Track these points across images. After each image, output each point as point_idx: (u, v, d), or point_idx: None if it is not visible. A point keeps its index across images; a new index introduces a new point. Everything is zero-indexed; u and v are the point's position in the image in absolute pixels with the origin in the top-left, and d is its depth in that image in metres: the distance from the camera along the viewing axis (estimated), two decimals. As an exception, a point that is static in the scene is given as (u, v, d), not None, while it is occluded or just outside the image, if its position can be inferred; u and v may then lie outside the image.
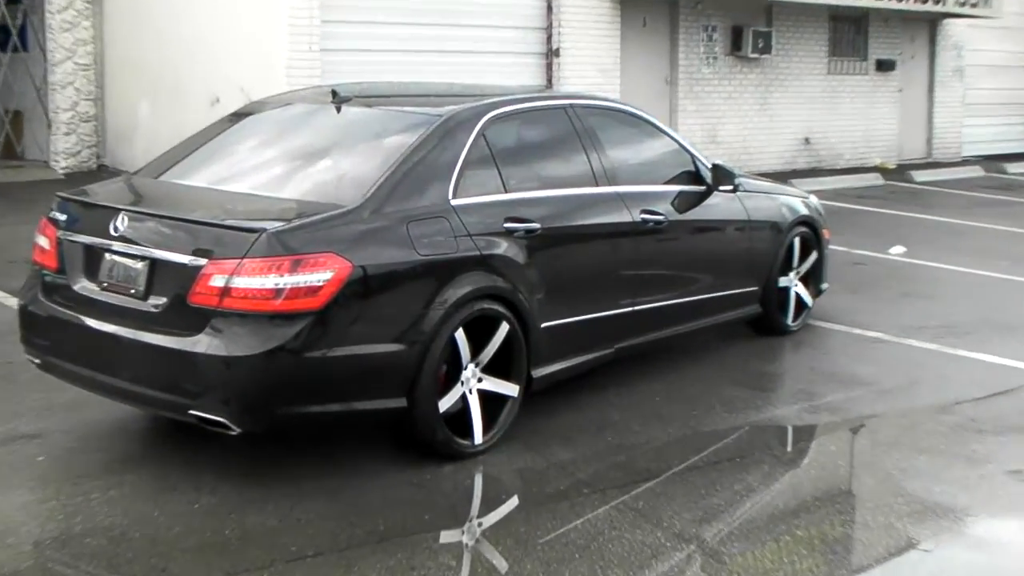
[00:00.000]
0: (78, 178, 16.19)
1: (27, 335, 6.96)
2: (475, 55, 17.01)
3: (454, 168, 6.91)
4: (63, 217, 6.83)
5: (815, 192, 18.42)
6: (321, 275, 6.01)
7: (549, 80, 18.04)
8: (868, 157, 23.28)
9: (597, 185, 7.82)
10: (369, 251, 6.28)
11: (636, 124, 8.62)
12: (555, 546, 5.64)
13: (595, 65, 18.56)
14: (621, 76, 19.01)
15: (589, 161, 7.83)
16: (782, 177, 19.48)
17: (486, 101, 7.49)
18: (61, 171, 17.33)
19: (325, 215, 6.31)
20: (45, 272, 6.84)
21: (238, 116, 7.95)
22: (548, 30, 18.11)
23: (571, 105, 8.06)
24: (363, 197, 6.45)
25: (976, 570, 5.60)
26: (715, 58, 20.58)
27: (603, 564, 5.43)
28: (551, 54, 18.13)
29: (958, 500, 6.32)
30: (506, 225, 6.99)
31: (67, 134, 17.60)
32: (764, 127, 21.50)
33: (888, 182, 21.56)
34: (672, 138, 8.80)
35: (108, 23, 17.65)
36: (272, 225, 6.09)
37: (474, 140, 7.10)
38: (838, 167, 22.38)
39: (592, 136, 7.94)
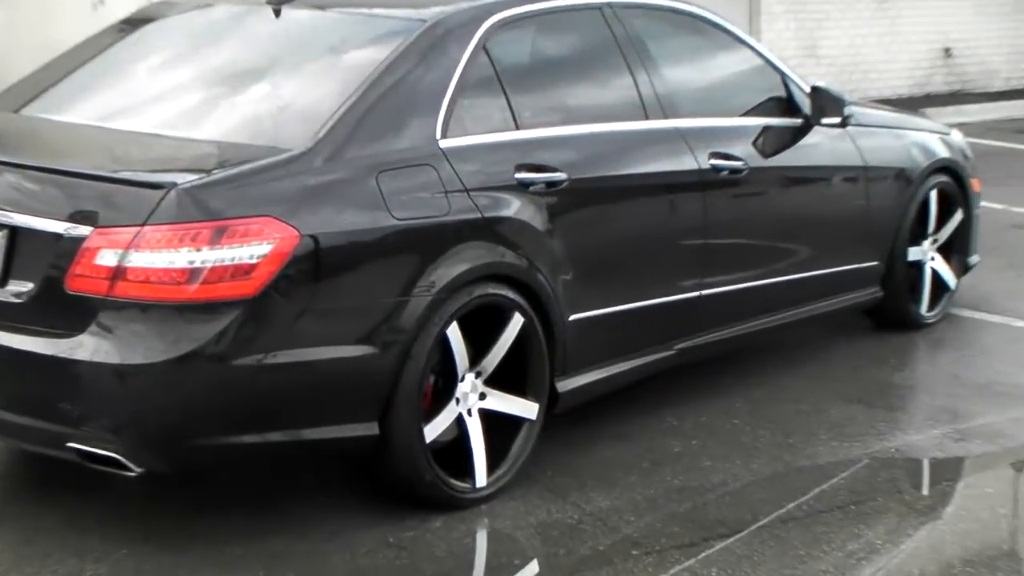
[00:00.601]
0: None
1: None
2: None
3: (444, 95, 6.83)
4: None
5: (959, 125, 18.52)
6: (256, 248, 5.91)
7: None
8: (1035, 75, 23.24)
9: (647, 118, 7.78)
10: (323, 214, 6.19)
11: (702, 31, 8.58)
12: (596, 635, 5.63)
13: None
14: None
15: (636, 84, 7.77)
16: (911, 104, 19.52)
17: (485, 1, 7.42)
18: None
19: (261, 163, 6.22)
20: None
21: (134, 24, 7.89)
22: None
23: (609, 4, 7.97)
24: (314, 138, 6.36)
25: None
26: (815, -62, 20.56)
27: (667, 663, 5.44)
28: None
29: None
30: (519, 175, 6.93)
31: None
32: (885, 34, 21.45)
33: (1065, 111, 21.49)
34: (755, 51, 8.77)
35: None
36: (185, 178, 6.00)
37: (471, 55, 7.02)
38: (991, 90, 22.28)
39: (640, 49, 7.89)
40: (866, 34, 21.20)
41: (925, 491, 7.42)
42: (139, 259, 5.82)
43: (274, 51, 7.34)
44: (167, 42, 7.69)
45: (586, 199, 7.28)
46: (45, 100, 7.34)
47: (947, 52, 22.18)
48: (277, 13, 7.35)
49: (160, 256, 5.82)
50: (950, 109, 19.99)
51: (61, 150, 6.80)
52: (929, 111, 19.31)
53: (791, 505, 6.85)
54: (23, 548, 6.22)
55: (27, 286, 6.12)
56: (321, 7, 7.67)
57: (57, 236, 6.01)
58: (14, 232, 6.17)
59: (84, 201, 6.07)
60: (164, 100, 7.18)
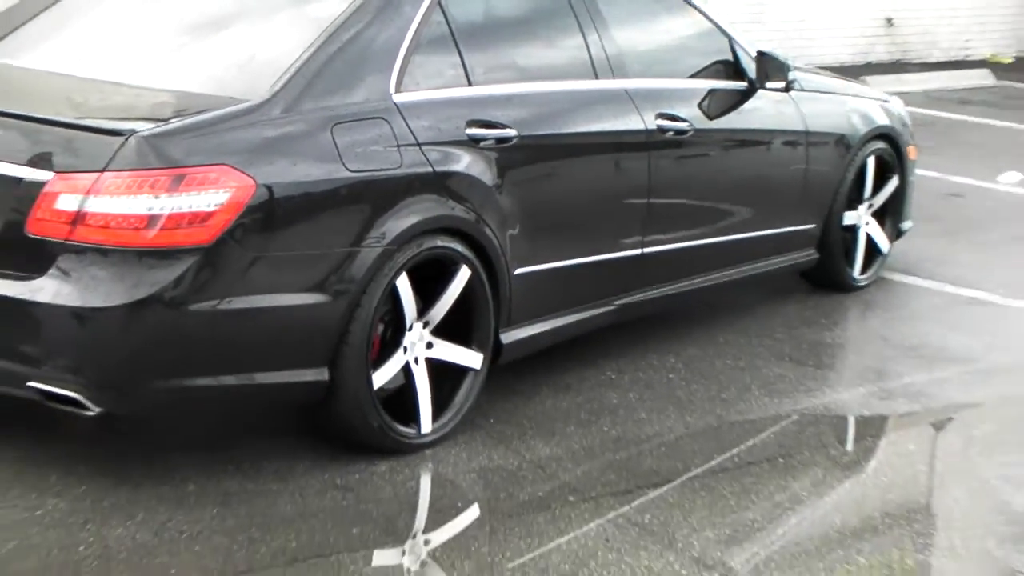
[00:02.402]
0: None
1: None
2: None
3: (398, 50, 6.85)
4: None
5: (899, 94, 18.55)
6: (213, 196, 5.93)
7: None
8: (975, 47, 23.29)
9: (597, 77, 7.82)
10: (279, 164, 6.21)
11: (654, -6, 8.64)
12: (529, 573, 5.68)
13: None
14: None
15: (586, 44, 7.82)
16: (854, 72, 19.50)
17: (446, -42, 7.45)
18: None
19: (219, 112, 6.24)
20: None
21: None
22: None
23: (563, -37, 8.05)
24: (271, 89, 6.38)
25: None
26: (764, -94, 20.58)
27: (598, 601, 5.53)
28: None
29: (1081, 519, 6.45)
30: (470, 131, 6.97)
31: None
32: (829, 2, 21.44)
33: (1002, 82, 21.61)
34: (703, 15, 8.80)
35: None
36: (144, 126, 6.01)
37: (427, 12, 7.03)
38: (932, 60, 22.35)
39: (591, 10, 7.92)
40: (811, 2, 21.21)
41: (850, 447, 7.50)
42: (98, 204, 5.83)
43: (234, 3, 7.34)
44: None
45: (535, 156, 7.33)
46: (6, 45, 7.30)
47: (889, 21, 22.21)
48: (238, -33, 7.39)
49: (119, 202, 5.83)
50: (891, 78, 19.99)
51: (22, 95, 6.78)
52: (870, 79, 19.31)
53: (722, 457, 6.96)
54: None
55: (-15, 231, 6.13)
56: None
57: (17, 180, 6.03)
58: (-26, 177, 6.17)
59: (44, 146, 6.10)
60: (125, 48, 7.19)
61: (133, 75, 6.87)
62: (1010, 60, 23.18)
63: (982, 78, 21.71)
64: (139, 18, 7.46)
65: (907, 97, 18.54)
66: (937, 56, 22.56)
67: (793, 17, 20.87)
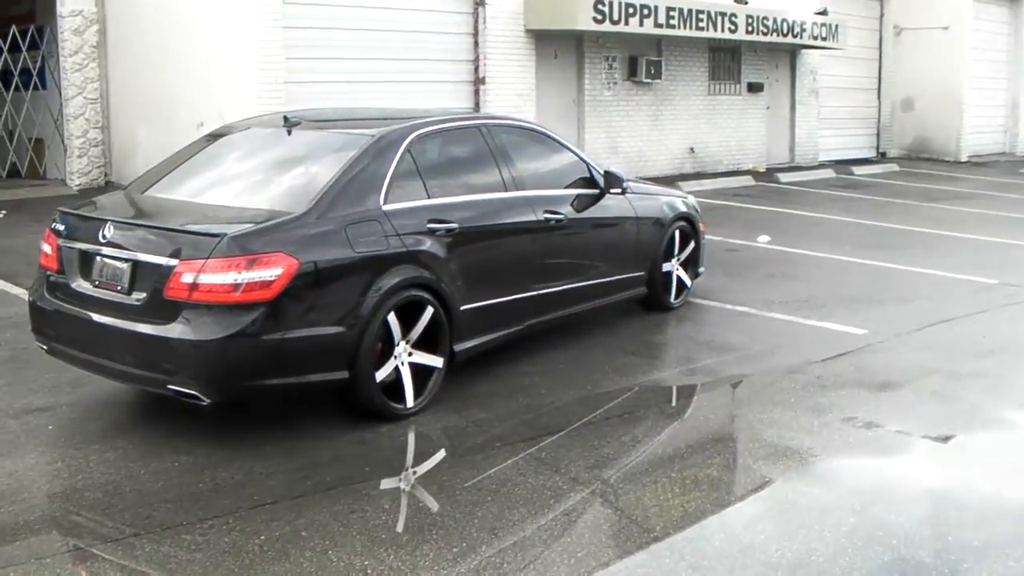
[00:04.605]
0: (89, 193, 16.00)
1: (36, 325, 6.87)
2: (417, 84, 16.93)
3: (384, 179, 6.78)
4: (62, 227, 6.75)
5: (698, 192, 18.64)
6: (273, 271, 5.91)
7: (477, 103, 17.93)
8: (742, 162, 23.30)
9: (507, 191, 7.70)
10: (314, 250, 6.15)
11: (539, 139, 8.50)
12: (471, 491, 5.56)
13: (514, 90, 18.47)
14: (536, 99, 18.92)
15: (500, 171, 7.72)
16: (671, 180, 19.60)
17: (411, 123, 7.34)
18: (75, 188, 17.13)
19: (276, 220, 6.19)
20: (49, 273, 6.75)
21: (209, 139, 7.76)
22: (475, 62, 18.00)
23: (484, 124, 7.95)
24: (309, 205, 6.33)
25: (814, 499, 5.56)
26: (615, 83, 20.51)
27: (510, 505, 5.36)
28: (478, 82, 18.02)
29: (804, 443, 6.30)
30: (429, 225, 6.87)
31: (80, 156, 17.41)
32: (656, 139, 21.47)
33: (758, 183, 21.58)
34: (570, 150, 8.69)
35: (111, 64, 17.40)
36: (231, 230, 5.99)
37: (401, 155, 6.96)
38: (718, 171, 22.40)
39: (503, 150, 7.84)
40: (646, 139, 21.22)
41: (669, 405, 7.34)
42: (205, 279, 5.86)
43: (286, 154, 7.20)
44: (226, 149, 7.51)
45: (471, 239, 7.19)
46: (157, 185, 7.19)
47: (692, 150, 22.26)
48: (289, 132, 7.28)
49: (217, 276, 5.84)
50: (694, 182, 20.02)
51: (163, 215, 6.71)
52: (681, 183, 19.40)
53: (590, 415, 6.81)
54: (144, 446, 6.17)
55: (143, 294, 6.11)
56: (314, 128, 7.52)
57: (159, 265, 6.03)
58: (136, 264, 6.17)
59: (174, 245, 6.05)
60: (223, 184, 7.11)
61: (226, 199, 6.83)
62: (763, 170, 23.18)
63: (747, 181, 21.65)
64: (231, 164, 7.37)
65: (704, 194, 18.84)
66: (721, 168, 22.61)
67: (634, 149, 20.92)
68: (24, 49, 17.24)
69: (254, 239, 5.98)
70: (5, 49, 17.15)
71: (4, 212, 14.92)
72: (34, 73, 17.81)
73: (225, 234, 5.93)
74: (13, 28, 17.27)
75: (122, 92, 17.36)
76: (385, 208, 6.67)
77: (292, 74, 15.32)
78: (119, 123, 17.50)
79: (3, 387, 7.25)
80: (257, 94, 14.92)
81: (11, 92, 17.55)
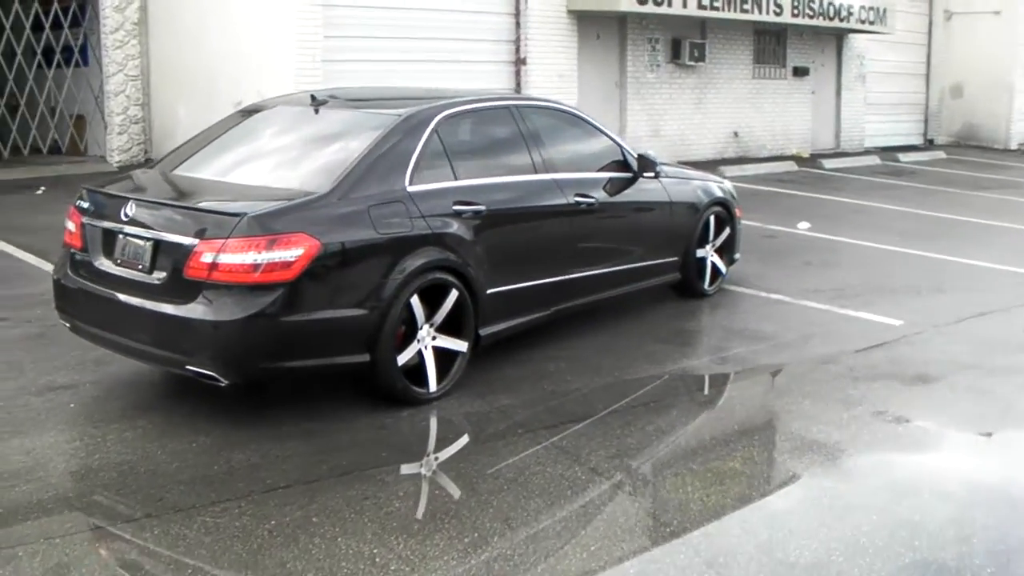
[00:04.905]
0: (129, 170, 15.99)
1: (60, 303, 6.85)
2: (456, 63, 16.80)
3: (410, 159, 6.67)
4: (86, 205, 6.71)
5: (740, 176, 18.49)
6: (293, 252, 5.83)
7: (517, 84, 17.80)
8: (786, 148, 23.04)
9: (537, 173, 7.57)
10: (335, 231, 6.07)
11: (572, 121, 8.36)
12: (489, 479, 5.47)
13: (555, 71, 18.31)
14: (578, 81, 18.76)
15: (529, 153, 7.59)
16: (714, 165, 19.41)
17: (440, 102, 7.24)
18: (116, 164, 17.18)
19: (298, 200, 6.11)
20: (73, 251, 6.72)
21: (237, 117, 7.69)
22: (516, 42, 17.87)
23: (515, 105, 7.82)
24: (332, 185, 6.25)
25: (837, 495, 5.43)
26: (658, 65, 20.31)
27: (526, 495, 5.26)
28: (519, 62, 17.89)
29: (831, 437, 6.15)
30: (455, 207, 6.76)
31: (120, 134, 17.46)
32: (699, 123, 21.26)
33: (802, 168, 21.29)
34: (604, 133, 8.53)
35: (152, 41, 17.42)
36: (252, 210, 5.92)
37: (428, 136, 6.86)
38: (761, 156, 22.14)
39: (533, 132, 7.71)
40: (689, 123, 21.03)
41: (696, 395, 7.22)
42: (225, 258, 5.79)
43: (313, 133, 7.13)
44: (254, 128, 7.42)
45: (498, 221, 7.08)
46: (183, 162, 7.14)
47: (735, 134, 22.02)
48: (316, 111, 7.21)
49: (237, 256, 5.78)
50: (736, 166, 19.83)
51: (185, 193, 6.67)
52: (724, 168, 19.21)
53: (616, 404, 6.70)
54: (163, 426, 6.13)
55: (163, 274, 6.06)
56: (341, 107, 7.44)
57: (180, 244, 5.97)
58: (157, 243, 6.12)
59: (195, 224, 5.99)
60: (248, 162, 7.03)
61: (250, 178, 6.77)
62: (807, 155, 22.88)
63: (790, 167, 21.35)
64: (257, 143, 7.29)
65: (746, 179, 18.67)
66: (764, 154, 22.35)
67: (677, 132, 20.72)
68: (66, 26, 17.28)
69: (275, 219, 5.91)
70: (48, 26, 17.21)
71: (43, 188, 14.97)
72: (76, 50, 17.87)
73: (245, 214, 5.85)
74: (55, 5, 17.30)
75: (163, 69, 17.39)
76: (410, 189, 6.57)
77: (331, 52, 15.25)
78: (159, 100, 17.53)
79: (29, 364, 7.25)
80: (295, 72, 14.88)
81: (53, 69, 17.60)
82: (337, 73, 14.92)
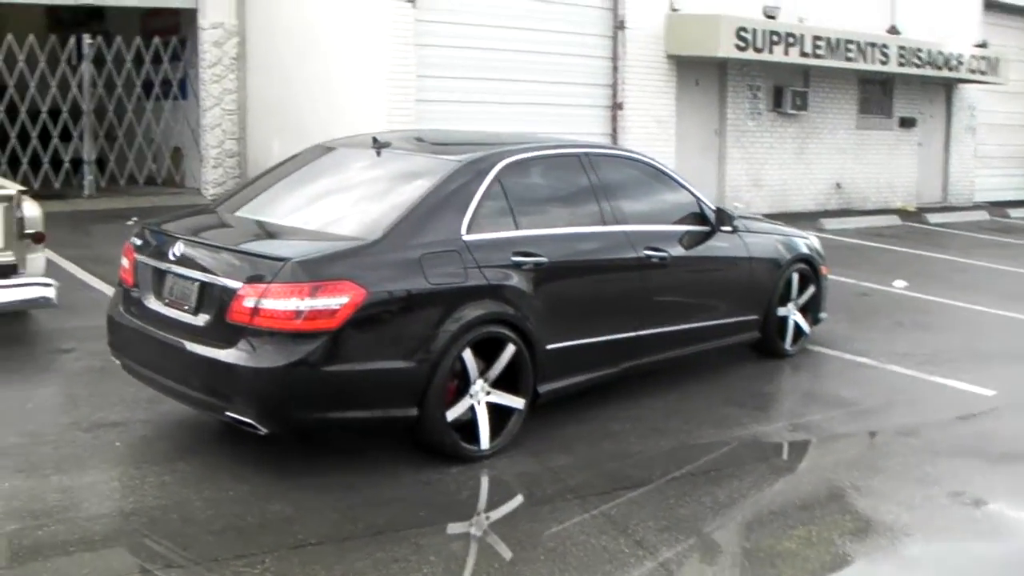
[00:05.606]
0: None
1: (112, 339, 6.80)
2: (551, 107, 16.66)
3: (468, 207, 6.47)
4: (140, 243, 6.67)
5: (840, 230, 18.07)
6: (338, 300, 5.66)
7: (614, 129, 17.59)
8: (891, 200, 22.48)
9: (604, 224, 7.31)
10: (384, 279, 5.89)
11: (646, 171, 8.08)
12: (526, 548, 5.22)
13: (653, 117, 18.07)
14: (676, 127, 18.49)
15: (598, 202, 7.34)
16: (815, 216, 19.02)
17: (503, 149, 7.04)
18: (210, 197, 17.32)
19: (346, 247, 5.96)
20: (126, 288, 6.68)
21: (299, 158, 7.56)
22: (613, 87, 17.67)
23: (585, 153, 7.57)
24: (383, 231, 6.08)
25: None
26: (759, 113, 19.96)
27: (562, 567, 4.99)
28: (616, 107, 17.68)
29: (900, 519, 5.76)
30: (514, 258, 6.53)
31: (215, 167, 17.66)
32: (801, 173, 20.83)
33: (905, 223, 20.72)
34: (680, 183, 8.25)
35: (249, 76, 17.60)
36: (297, 255, 5.78)
37: (489, 183, 6.66)
38: (864, 208, 21.63)
39: (603, 181, 7.45)
40: (790, 173, 20.63)
41: (761, 464, 6.79)
42: (267, 304, 5.66)
43: (371, 176, 6.97)
44: (314, 170, 7.30)
45: (560, 274, 6.83)
46: (245, 203, 7.04)
47: (838, 186, 21.54)
48: (378, 154, 7.05)
49: (279, 302, 5.64)
50: (837, 220, 19.38)
51: (235, 235, 6.60)
52: (825, 220, 18.81)
53: (677, 471, 6.38)
54: (203, 471, 6.02)
55: (208, 316, 5.96)
56: (403, 151, 7.25)
57: (224, 287, 5.86)
58: (203, 284, 6.02)
59: (241, 267, 5.89)
60: (302, 205, 6.89)
61: (303, 221, 6.63)
62: (913, 209, 22.28)
63: (893, 220, 20.79)
64: (314, 186, 7.16)
65: (846, 232, 18.20)
66: (868, 206, 21.82)
67: (778, 182, 20.34)
68: (166, 60, 17.53)
69: (320, 265, 5.75)
70: (148, 60, 17.46)
71: (135, 219, 15.11)
72: (174, 83, 18.11)
73: (289, 258, 5.71)
74: (156, 40, 17.55)
75: (258, 104, 17.54)
76: (467, 238, 6.36)
77: (424, 92, 15.22)
78: (254, 135, 17.67)
79: (85, 398, 7.23)
80: (387, 111, 14.86)
81: (152, 101, 17.84)
82: (430, 113, 14.87)
